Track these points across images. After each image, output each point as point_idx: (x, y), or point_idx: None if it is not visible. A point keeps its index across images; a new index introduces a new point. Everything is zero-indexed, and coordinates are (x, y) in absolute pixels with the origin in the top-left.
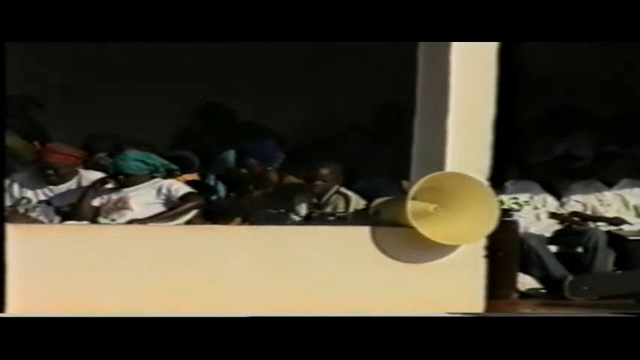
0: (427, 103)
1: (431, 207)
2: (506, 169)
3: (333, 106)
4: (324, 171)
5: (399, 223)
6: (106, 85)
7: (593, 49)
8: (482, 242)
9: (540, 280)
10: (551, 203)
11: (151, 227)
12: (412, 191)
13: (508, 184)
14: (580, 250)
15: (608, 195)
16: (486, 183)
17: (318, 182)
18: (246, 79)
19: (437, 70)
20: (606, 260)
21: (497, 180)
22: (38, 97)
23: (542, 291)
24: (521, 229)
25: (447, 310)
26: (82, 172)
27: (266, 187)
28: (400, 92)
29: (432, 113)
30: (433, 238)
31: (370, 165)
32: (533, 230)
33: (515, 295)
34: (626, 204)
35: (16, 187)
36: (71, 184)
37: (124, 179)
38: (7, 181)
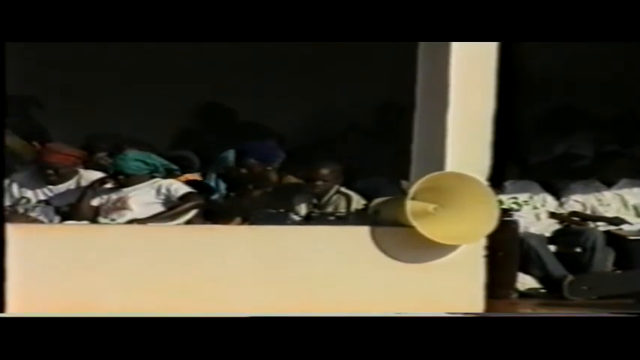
0: (427, 103)
1: (431, 207)
2: (506, 169)
3: (333, 106)
4: (324, 171)
5: (399, 223)
6: (106, 85)
7: (593, 49)
8: (482, 242)
9: (540, 279)
10: (551, 203)
11: (151, 227)
12: (412, 191)
13: (507, 183)
14: (578, 250)
15: (608, 195)
16: (486, 183)
17: (319, 182)
18: (246, 79)
19: (437, 70)
20: (605, 260)
21: (497, 180)
22: (38, 97)
23: (542, 291)
24: (521, 229)
25: (447, 310)
26: (82, 172)
27: (266, 187)
28: (400, 92)
29: (432, 113)
30: (433, 238)
31: (370, 165)
32: (533, 230)
33: (515, 295)
34: (625, 204)
35: (15, 187)
36: (71, 184)
37: (124, 179)
38: (6, 181)
